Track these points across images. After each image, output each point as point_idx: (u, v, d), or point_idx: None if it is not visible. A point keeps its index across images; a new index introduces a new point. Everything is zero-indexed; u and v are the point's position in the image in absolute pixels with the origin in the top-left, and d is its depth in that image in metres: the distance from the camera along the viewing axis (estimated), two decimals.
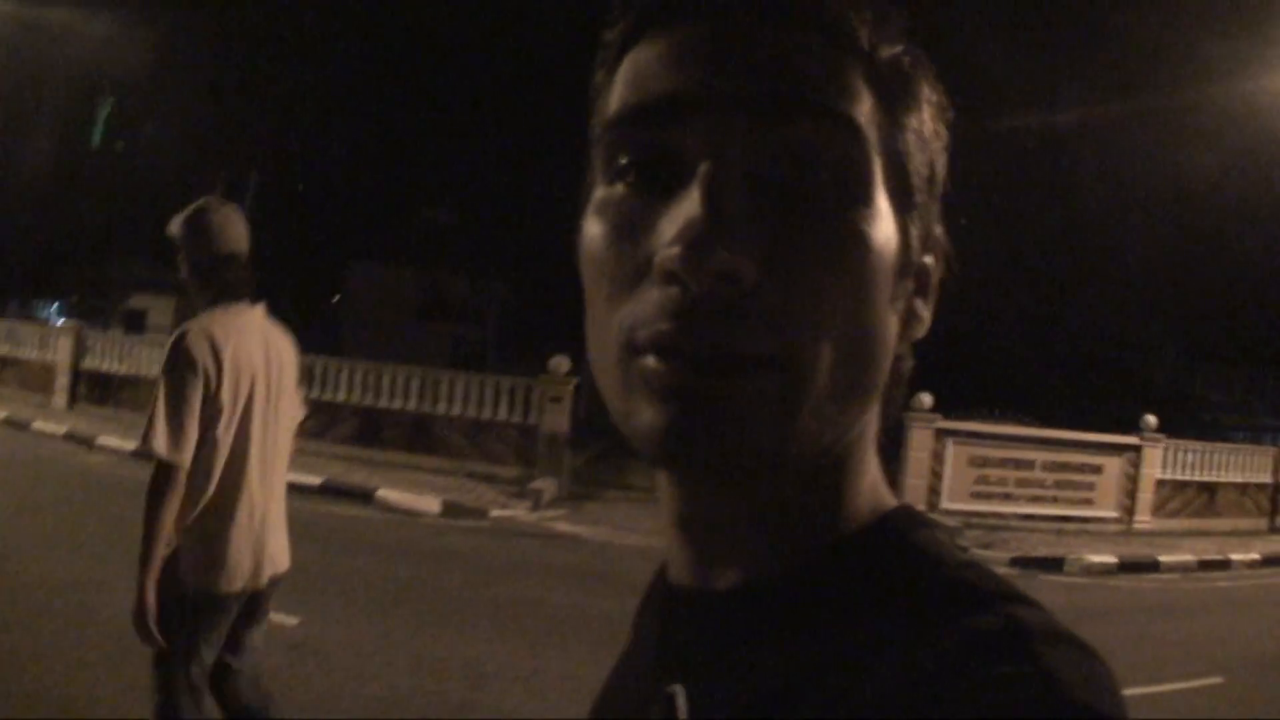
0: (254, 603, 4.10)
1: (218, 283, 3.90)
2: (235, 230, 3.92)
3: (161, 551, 3.62)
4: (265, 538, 3.97)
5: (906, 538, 0.72)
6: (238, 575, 3.84)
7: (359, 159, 51.00)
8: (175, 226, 3.91)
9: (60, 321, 50.63)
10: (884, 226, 0.69)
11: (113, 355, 24.75)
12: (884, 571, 0.69)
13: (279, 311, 4.40)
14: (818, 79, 0.67)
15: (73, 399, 24.77)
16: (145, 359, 23.42)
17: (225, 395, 3.75)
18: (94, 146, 77.45)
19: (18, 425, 20.41)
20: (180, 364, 3.68)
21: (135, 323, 42.17)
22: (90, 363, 24.97)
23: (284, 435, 4.17)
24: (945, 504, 19.54)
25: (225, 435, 3.78)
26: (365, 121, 52.05)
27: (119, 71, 62.49)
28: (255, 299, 4.04)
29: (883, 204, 0.69)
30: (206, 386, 3.70)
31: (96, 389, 24.55)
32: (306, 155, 48.03)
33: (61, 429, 20.00)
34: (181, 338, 3.74)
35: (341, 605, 9.56)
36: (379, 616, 9.34)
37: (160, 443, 3.59)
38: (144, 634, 3.66)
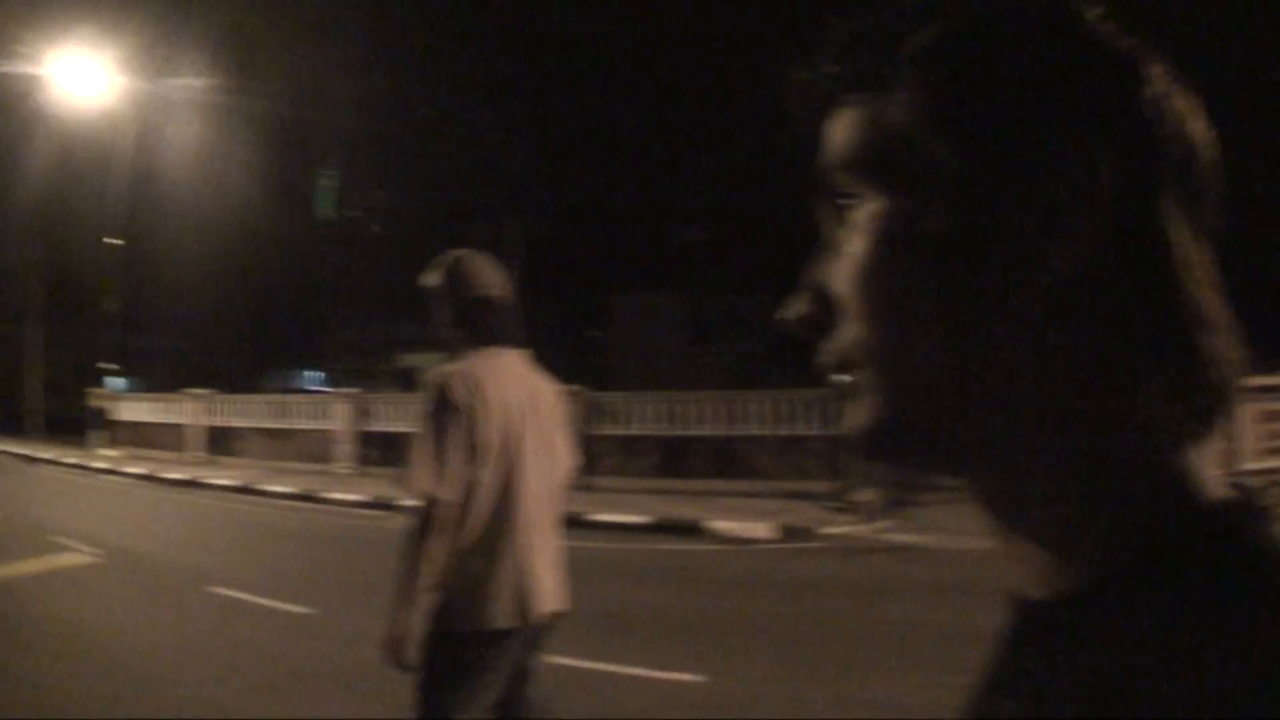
0: (530, 639, 3.98)
1: (474, 328, 3.97)
2: (489, 276, 4.03)
3: (420, 585, 3.67)
4: (535, 577, 3.87)
5: (1234, 532, 0.66)
6: (503, 613, 3.78)
7: (610, 191, 50.74)
8: (429, 277, 4.04)
9: (324, 387, 52.71)
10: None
11: (391, 416, 24.65)
12: (1209, 571, 0.64)
13: (552, 353, 4.29)
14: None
15: (359, 463, 24.70)
16: (397, 414, 23.79)
17: (486, 435, 3.75)
18: (325, 217, 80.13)
19: (312, 498, 20.07)
20: (439, 404, 3.72)
21: (408, 381, 42.54)
22: (371, 425, 25.01)
23: (556, 479, 4.11)
24: (1244, 465, 17.58)
25: (488, 475, 3.77)
26: (610, 150, 51.79)
27: (348, 140, 64.22)
28: (517, 344, 4.09)
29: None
30: (466, 426, 3.71)
31: (380, 451, 24.33)
32: (560, 195, 47.93)
33: (356, 496, 19.60)
34: (439, 379, 3.80)
35: (731, 652, 8.48)
36: (777, 658, 8.24)
37: (423, 481, 3.63)
38: (392, 661, 3.73)
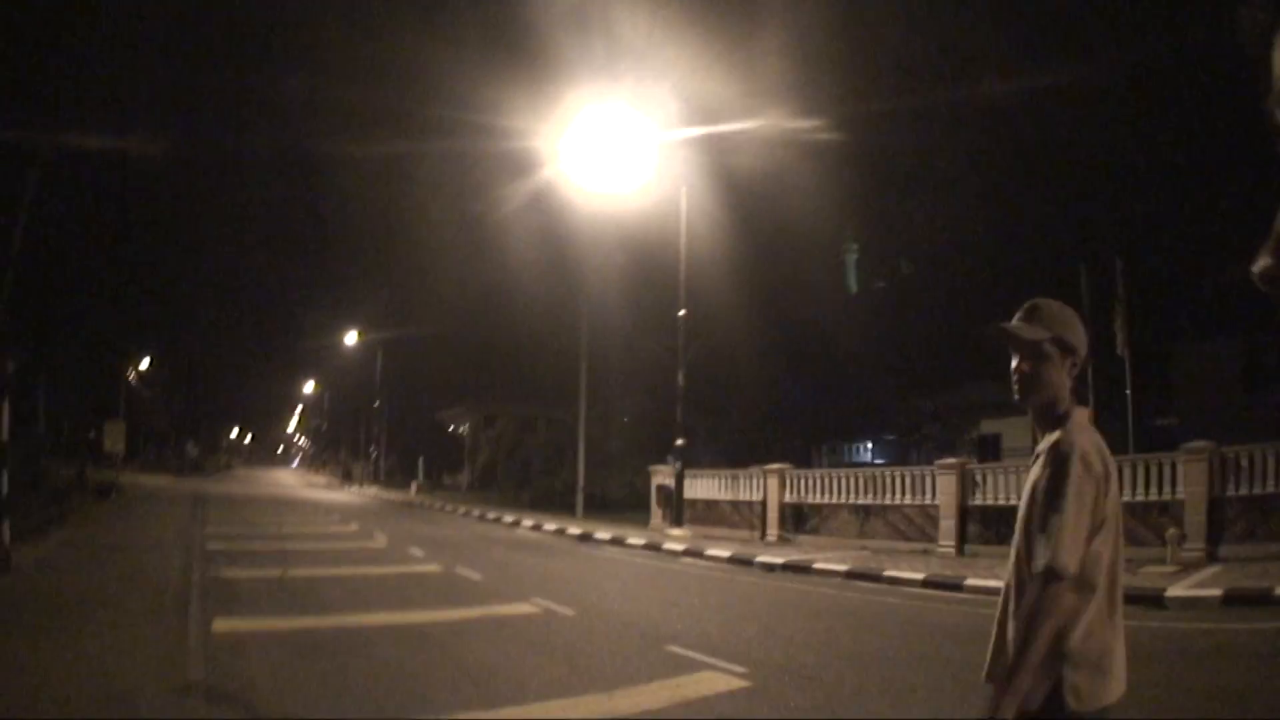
0: None
1: (1076, 388, 3.65)
2: (1083, 329, 3.69)
3: (1036, 666, 3.24)
4: (1122, 656, 3.48)
5: None
6: (1117, 686, 3.43)
7: (1164, 229, 44.58)
8: (1032, 329, 3.59)
9: (876, 459, 49.73)
10: None
11: (997, 488, 21.01)
12: None
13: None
14: None
15: (960, 541, 21.05)
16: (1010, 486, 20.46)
17: (1108, 504, 3.41)
18: (851, 291, 77.65)
19: (950, 586, 15.85)
20: (1080, 474, 3.32)
21: (989, 448, 38.35)
22: (975, 499, 21.32)
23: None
24: None
25: (1103, 545, 3.41)
26: (1165, 184, 45.74)
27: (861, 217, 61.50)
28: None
29: None
30: (1098, 497, 3.37)
31: (987, 528, 20.74)
32: (1125, 239, 42.18)
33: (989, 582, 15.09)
34: (1078, 447, 3.37)
35: None
36: None
37: (1069, 558, 3.25)
38: None
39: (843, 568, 17.87)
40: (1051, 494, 3.32)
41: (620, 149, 28.68)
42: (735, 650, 10.23)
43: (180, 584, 14.46)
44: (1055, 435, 3.47)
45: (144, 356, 73.11)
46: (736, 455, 38.98)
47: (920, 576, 16.36)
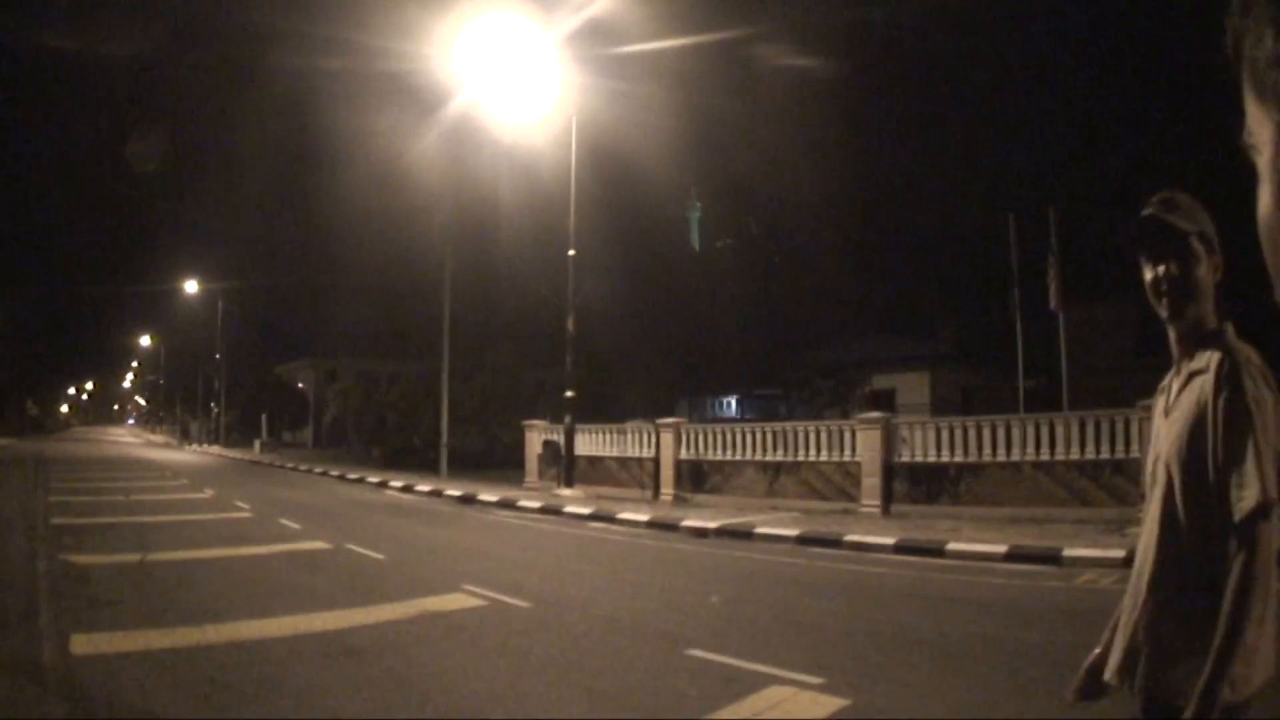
0: None
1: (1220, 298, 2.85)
2: None
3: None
4: None
5: None
6: (1266, 668, 2.63)
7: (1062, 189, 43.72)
8: (1199, 218, 2.73)
9: (736, 415, 47.97)
10: None
11: (926, 444, 19.17)
12: None
13: None
14: None
15: (886, 501, 19.12)
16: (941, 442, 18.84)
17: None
18: (696, 249, 75.85)
19: (919, 550, 13.70)
20: (1270, 395, 2.59)
21: (883, 404, 36.71)
22: (903, 456, 19.45)
23: None
24: None
25: None
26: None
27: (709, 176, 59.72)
28: None
29: None
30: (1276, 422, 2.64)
31: (915, 485, 19.09)
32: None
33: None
34: (1252, 363, 2.61)
35: None
36: None
37: (1275, 488, 2.44)
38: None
39: (791, 532, 15.46)
40: (1238, 419, 2.51)
41: (502, 69, 25.54)
42: (779, 651, 7.65)
43: (25, 577, 10.99)
44: (1213, 354, 2.63)
45: None
46: (596, 410, 36.82)
47: (891, 542, 14.07)
